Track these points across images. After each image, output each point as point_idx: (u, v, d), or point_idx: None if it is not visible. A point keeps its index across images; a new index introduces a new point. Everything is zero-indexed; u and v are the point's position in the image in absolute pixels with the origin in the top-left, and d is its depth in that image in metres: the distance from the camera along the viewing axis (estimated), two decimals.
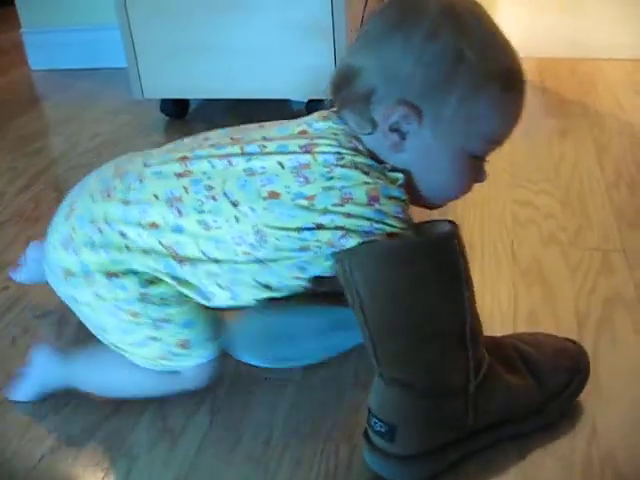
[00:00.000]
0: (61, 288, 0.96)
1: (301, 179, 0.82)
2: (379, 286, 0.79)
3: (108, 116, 2.20)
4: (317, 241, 0.82)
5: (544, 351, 0.93)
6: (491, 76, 0.81)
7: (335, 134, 0.85)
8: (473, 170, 0.88)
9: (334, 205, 0.80)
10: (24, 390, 1.00)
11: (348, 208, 0.80)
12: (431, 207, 0.92)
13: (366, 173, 0.81)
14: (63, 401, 1.00)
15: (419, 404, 0.83)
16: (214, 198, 0.85)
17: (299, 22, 1.81)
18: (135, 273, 0.89)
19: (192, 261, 0.87)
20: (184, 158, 0.89)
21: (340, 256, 0.80)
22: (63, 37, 2.66)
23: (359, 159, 0.83)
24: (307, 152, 0.84)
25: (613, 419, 0.90)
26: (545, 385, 0.89)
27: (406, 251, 0.79)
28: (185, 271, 0.88)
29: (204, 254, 0.86)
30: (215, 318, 0.96)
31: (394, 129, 0.83)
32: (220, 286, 0.89)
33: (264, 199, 0.83)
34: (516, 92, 0.84)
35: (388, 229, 0.80)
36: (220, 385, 1.01)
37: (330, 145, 0.84)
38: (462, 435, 0.85)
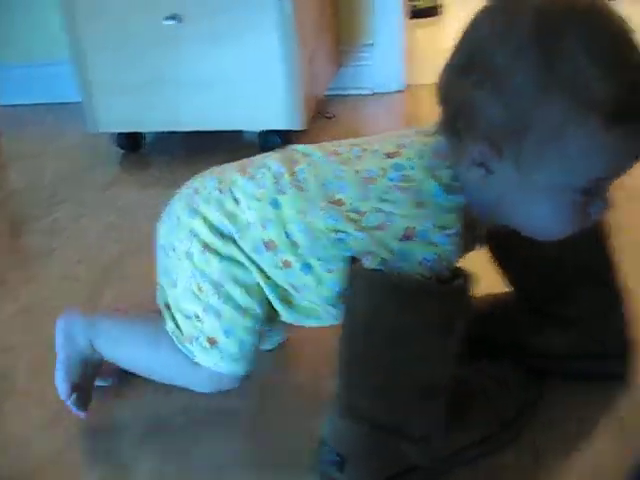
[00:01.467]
0: (169, 233, 0.96)
1: (362, 193, 0.81)
2: (378, 319, 0.77)
3: (66, 151, 2.19)
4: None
5: (501, 383, 0.95)
6: (586, 109, 0.68)
7: (425, 144, 0.82)
8: (582, 206, 0.76)
9: (373, 228, 0.79)
10: (58, 372, 1.00)
11: (381, 236, 0.78)
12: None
13: (420, 207, 0.78)
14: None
15: (375, 439, 0.83)
16: (301, 189, 0.86)
17: (251, 54, 1.83)
18: (222, 257, 0.90)
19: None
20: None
21: (352, 268, 0.79)
22: (23, 72, 2.66)
23: (431, 183, 0.79)
24: (389, 157, 0.82)
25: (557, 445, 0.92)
26: (499, 415, 0.92)
27: (414, 293, 0.76)
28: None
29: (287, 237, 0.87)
30: (255, 349, 0.94)
31: (479, 163, 0.76)
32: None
33: (329, 202, 0.83)
34: (628, 125, 0.69)
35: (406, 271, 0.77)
36: (171, 418, 1.00)
37: (409, 158, 0.81)
38: (414, 467, 0.85)
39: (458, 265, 0.81)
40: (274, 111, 1.90)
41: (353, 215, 0.81)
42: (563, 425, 0.94)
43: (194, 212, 0.92)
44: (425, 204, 0.78)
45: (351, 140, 0.93)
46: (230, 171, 0.95)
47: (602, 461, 0.88)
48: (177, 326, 0.94)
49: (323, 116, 2.25)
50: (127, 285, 1.36)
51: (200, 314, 0.91)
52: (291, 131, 1.94)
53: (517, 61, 0.69)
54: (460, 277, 0.79)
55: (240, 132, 2.11)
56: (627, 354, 1.03)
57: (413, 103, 2.42)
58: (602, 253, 0.98)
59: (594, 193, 0.75)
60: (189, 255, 0.92)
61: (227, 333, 0.91)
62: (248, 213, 0.88)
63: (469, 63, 0.74)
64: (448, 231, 0.77)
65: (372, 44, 2.48)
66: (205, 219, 0.90)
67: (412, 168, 0.81)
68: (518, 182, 0.75)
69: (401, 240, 0.77)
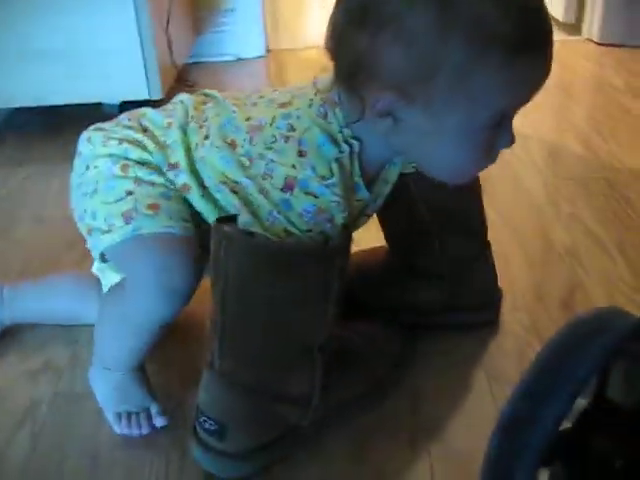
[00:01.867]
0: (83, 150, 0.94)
1: (248, 137, 0.81)
2: (250, 283, 0.76)
3: None
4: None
5: (373, 340, 0.97)
6: (489, 43, 0.67)
7: (315, 93, 0.80)
8: (490, 142, 0.75)
9: (259, 175, 0.78)
10: None
11: (265, 185, 0.77)
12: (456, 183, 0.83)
13: (302, 155, 0.76)
14: None
15: (254, 405, 0.82)
16: (200, 125, 0.88)
17: (104, 23, 1.75)
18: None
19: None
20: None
21: (220, 233, 0.75)
22: None
23: (316, 131, 0.77)
24: (280, 107, 0.81)
25: (434, 393, 0.95)
26: (373, 372, 0.93)
27: (289, 259, 0.75)
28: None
29: None
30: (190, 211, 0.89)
31: (386, 113, 0.73)
32: None
33: (224, 142, 0.83)
34: (530, 55, 0.69)
35: (285, 224, 0.76)
36: (38, 406, 0.96)
37: (298, 108, 0.79)
38: (294, 428, 0.86)
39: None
40: (131, 81, 1.83)
41: (244, 160, 0.81)
42: (439, 374, 0.98)
43: (105, 138, 0.92)
44: (307, 152, 0.76)
45: (256, 90, 0.92)
46: (144, 109, 0.96)
47: (476, 407, 0.92)
48: (109, 221, 0.87)
49: (183, 85, 2.20)
50: None
51: (131, 188, 0.87)
52: (151, 101, 1.88)
53: (414, 5, 0.67)
54: (335, 238, 0.78)
55: (99, 105, 2.02)
56: (493, 303, 1.07)
57: (276, 68, 2.41)
58: (470, 203, 1.01)
59: (500, 128, 0.74)
60: (108, 155, 0.90)
61: (166, 196, 0.87)
62: (156, 139, 0.90)
63: (363, 14, 0.70)
64: (328, 181, 0.76)
65: (232, 9, 2.43)
66: (118, 140, 0.90)
67: (298, 117, 0.79)
68: (428, 127, 0.73)
69: (282, 190, 0.76)
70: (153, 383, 0.95)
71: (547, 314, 1.07)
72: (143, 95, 1.84)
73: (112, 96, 1.89)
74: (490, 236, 1.05)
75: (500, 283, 1.08)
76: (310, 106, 0.79)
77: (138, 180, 0.87)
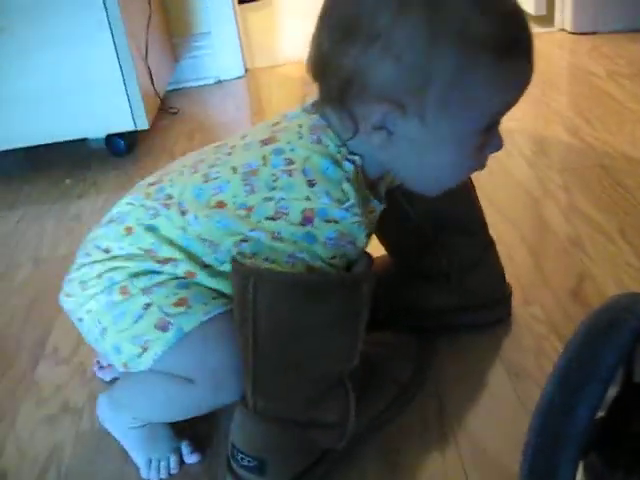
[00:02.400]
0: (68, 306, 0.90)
1: (247, 187, 0.77)
2: (280, 318, 0.74)
3: None
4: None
5: (390, 348, 0.97)
6: (478, 49, 0.68)
7: (300, 125, 0.78)
8: (481, 148, 0.76)
9: (267, 219, 0.75)
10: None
11: (279, 225, 0.75)
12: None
13: (312, 185, 0.74)
14: None
15: (291, 437, 0.81)
16: (168, 207, 0.82)
17: (83, 59, 1.76)
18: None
19: None
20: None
21: (245, 271, 0.74)
22: None
23: (316, 158, 0.75)
24: (265, 144, 0.78)
25: (458, 395, 0.94)
26: (396, 379, 0.93)
27: (316, 290, 0.74)
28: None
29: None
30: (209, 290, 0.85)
31: (380, 127, 0.73)
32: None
33: (210, 208, 0.79)
34: (516, 57, 0.71)
35: (308, 259, 0.75)
36: (61, 449, 0.95)
37: (288, 142, 0.77)
38: (325, 452, 0.85)
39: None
40: (115, 114, 1.83)
41: (240, 212, 0.77)
42: (460, 375, 0.97)
43: (81, 283, 0.87)
44: (317, 181, 0.75)
45: (213, 145, 0.89)
46: (90, 234, 0.91)
47: (500, 404, 0.91)
48: (140, 339, 0.83)
49: (167, 112, 2.20)
50: None
51: (145, 300, 0.82)
52: (137, 131, 1.88)
53: (402, 16, 0.68)
54: (358, 263, 0.78)
55: (85, 140, 2.02)
56: (503, 300, 1.07)
57: (255, 87, 2.42)
58: (462, 203, 1.01)
59: (489, 133, 0.75)
60: (95, 295, 0.86)
61: (184, 285, 0.83)
62: (128, 251, 0.85)
63: (349, 31, 0.70)
64: (347, 204, 0.75)
65: (208, 32, 2.44)
66: (96, 276, 0.86)
67: (293, 150, 0.77)
68: (422, 136, 0.73)
69: (302, 224, 0.74)
70: None
71: (559, 306, 1.07)
72: (129, 126, 1.84)
73: (97, 130, 1.89)
74: (490, 231, 1.05)
75: (507, 278, 1.08)
76: (300, 137, 0.78)
77: (146, 290, 0.82)
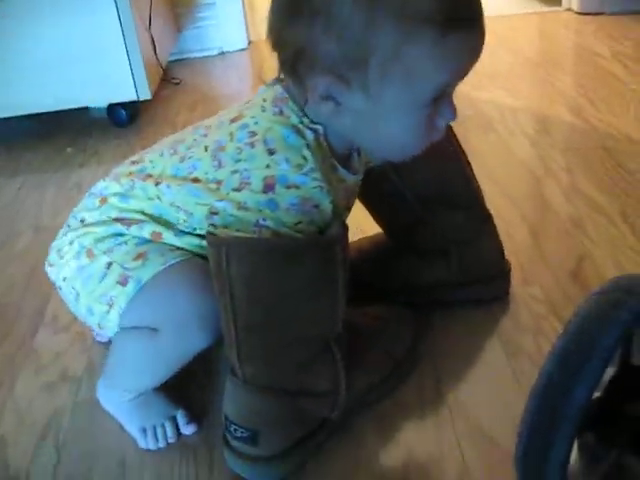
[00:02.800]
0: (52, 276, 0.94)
1: (216, 163, 0.80)
2: (256, 285, 0.75)
3: None
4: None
5: (386, 323, 0.97)
6: (417, 24, 0.69)
7: (264, 100, 0.82)
8: (431, 117, 0.77)
9: (233, 190, 0.77)
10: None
11: (244, 195, 0.77)
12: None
13: (272, 153, 0.77)
14: None
15: (283, 406, 0.81)
16: (144, 180, 0.86)
17: (86, 27, 1.74)
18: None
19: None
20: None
21: (217, 241, 0.75)
22: None
23: (277, 128, 0.78)
24: (233, 122, 0.81)
25: (455, 371, 0.95)
26: (391, 354, 0.93)
27: (289, 254, 0.75)
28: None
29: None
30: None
31: (326, 97, 0.75)
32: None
33: (185, 180, 0.82)
34: (459, 31, 0.71)
35: (273, 226, 0.76)
36: (60, 417, 0.95)
37: (252, 116, 0.80)
38: (323, 421, 0.86)
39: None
40: (117, 83, 1.82)
41: (212, 185, 0.80)
42: (457, 352, 0.98)
43: (58, 250, 0.92)
44: (277, 149, 0.77)
45: (192, 126, 0.92)
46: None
47: (496, 382, 0.92)
48: (103, 296, 0.86)
49: (170, 82, 2.19)
50: None
51: (106, 259, 0.85)
52: (139, 101, 1.87)
53: None
54: (331, 228, 0.78)
55: (86, 109, 2.01)
56: (501, 276, 1.07)
57: (258, 59, 2.40)
58: (456, 179, 1.01)
59: (440, 103, 0.76)
60: (71, 258, 0.89)
61: (142, 243, 0.86)
62: (99, 219, 0.89)
63: (296, 6, 0.73)
64: (305, 168, 0.77)
65: (213, 3, 2.42)
66: (68, 243, 0.90)
67: (256, 123, 0.80)
68: (368, 107, 0.75)
69: (264, 192, 0.76)
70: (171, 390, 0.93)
71: (559, 286, 1.07)
72: (131, 96, 1.83)
73: (100, 99, 1.88)
74: (490, 209, 1.05)
75: (506, 256, 1.08)
76: (264, 110, 0.81)
77: (107, 251, 0.86)
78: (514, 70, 2.00)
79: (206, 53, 2.47)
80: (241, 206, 0.77)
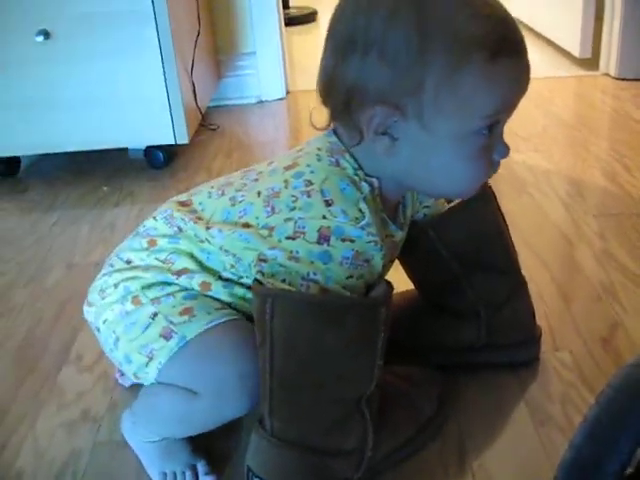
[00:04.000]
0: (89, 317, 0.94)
1: (269, 209, 0.79)
2: (297, 339, 0.74)
3: None
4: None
5: (416, 383, 0.95)
6: (468, 48, 0.71)
7: (319, 149, 0.81)
8: (486, 150, 0.77)
9: (286, 238, 0.76)
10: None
11: (297, 244, 0.76)
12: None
13: (329, 204, 0.76)
14: None
15: (307, 464, 0.80)
16: (196, 222, 0.86)
17: (129, 70, 1.78)
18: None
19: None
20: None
21: (263, 292, 0.75)
22: None
23: (334, 179, 0.78)
24: (287, 170, 0.81)
25: (480, 436, 0.93)
26: (421, 413, 0.92)
27: (333, 312, 0.74)
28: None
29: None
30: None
31: (382, 132, 0.75)
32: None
33: (236, 226, 0.82)
34: (508, 56, 0.72)
35: (322, 281, 0.75)
36: (79, 457, 0.95)
37: (308, 165, 0.80)
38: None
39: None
40: (156, 126, 1.85)
41: (264, 232, 0.79)
42: (483, 416, 0.96)
43: (101, 291, 0.91)
44: (334, 200, 0.76)
45: (241, 170, 0.92)
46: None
47: (523, 450, 0.90)
48: (145, 346, 0.85)
49: (207, 128, 2.22)
50: (17, 317, 1.29)
51: (152, 309, 0.85)
52: (175, 145, 1.90)
53: (393, 22, 0.71)
54: (377, 288, 0.78)
55: (125, 150, 2.04)
56: (534, 341, 1.05)
57: (295, 109, 2.44)
58: (499, 243, 1.00)
59: (494, 135, 0.77)
60: (111, 303, 0.89)
61: (190, 297, 0.86)
62: (147, 262, 0.89)
63: (349, 45, 0.74)
64: (362, 222, 0.76)
65: (254, 52, 2.47)
66: (113, 286, 0.90)
67: (313, 172, 0.79)
68: (424, 139, 0.75)
69: (318, 243, 0.75)
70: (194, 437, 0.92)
71: (589, 353, 1.05)
72: (169, 140, 1.86)
73: (138, 141, 1.91)
74: (523, 273, 1.04)
75: (537, 319, 1.06)
76: (319, 160, 0.80)
77: (155, 300, 0.85)
78: (548, 132, 2.00)
79: (245, 101, 2.50)
80: (292, 256, 0.76)
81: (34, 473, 0.93)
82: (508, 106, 0.76)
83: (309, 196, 0.77)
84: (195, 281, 0.85)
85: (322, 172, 0.79)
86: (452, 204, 0.96)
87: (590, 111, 2.22)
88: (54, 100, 1.81)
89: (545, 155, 1.81)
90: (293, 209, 0.77)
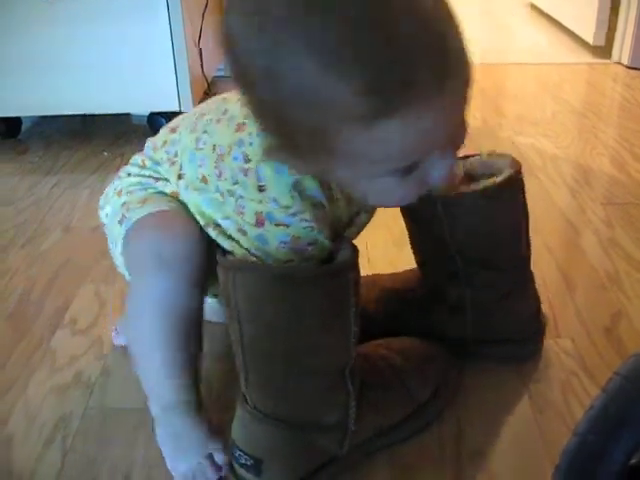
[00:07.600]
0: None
1: (217, 172, 0.78)
2: (261, 309, 0.73)
3: None
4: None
5: (412, 360, 0.92)
6: (341, 121, 0.58)
7: None
8: (409, 181, 0.65)
9: (233, 212, 0.76)
10: None
11: (242, 221, 0.75)
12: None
13: (262, 191, 0.73)
14: None
15: (288, 437, 0.79)
16: (172, 164, 0.86)
17: (137, 34, 1.75)
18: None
19: None
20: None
21: (227, 264, 0.74)
22: None
23: (265, 164, 0.73)
24: (237, 130, 0.76)
25: (478, 422, 0.92)
26: (413, 396, 0.89)
27: (296, 279, 0.72)
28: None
29: None
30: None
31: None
32: None
33: (199, 180, 0.80)
34: (392, 118, 0.56)
35: (263, 258, 0.75)
36: (69, 422, 0.93)
37: (250, 133, 0.74)
38: (332, 458, 0.83)
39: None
40: (162, 93, 1.82)
41: (217, 196, 0.78)
42: (482, 403, 0.94)
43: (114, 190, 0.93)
44: (267, 187, 0.74)
45: (221, 97, 0.87)
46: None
47: (522, 438, 0.89)
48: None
49: (213, 97, 2.19)
50: (11, 279, 1.27)
51: (124, 198, 0.89)
52: (180, 112, 1.87)
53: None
54: (341, 252, 0.75)
55: (128, 115, 2.02)
56: (537, 335, 1.03)
57: None
58: (513, 246, 0.97)
59: (421, 168, 0.64)
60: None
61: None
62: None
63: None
64: (291, 210, 0.74)
65: None
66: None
67: (251, 144, 0.75)
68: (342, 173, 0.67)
69: (256, 226, 0.75)
70: None
71: (591, 342, 1.04)
72: (173, 107, 1.83)
73: (141, 107, 1.88)
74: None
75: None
76: (259, 134, 0.74)
77: (128, 193, 0.89)
78: (558, 118, 1.98)
79: None
80: (240, 228, 0.76)
81: (24, 437, 0.91)
82: (425, 152, 0.62)
83: (245, 175, 0.74)
84: (168, 188, 0.87)
85: (259, 150, 0.73)
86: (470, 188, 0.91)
87: (600, 99, 2.19)
88: (58, 61, 1.78)
89: (554, 141, 1.79)
90: (235, 183, 0.75)
